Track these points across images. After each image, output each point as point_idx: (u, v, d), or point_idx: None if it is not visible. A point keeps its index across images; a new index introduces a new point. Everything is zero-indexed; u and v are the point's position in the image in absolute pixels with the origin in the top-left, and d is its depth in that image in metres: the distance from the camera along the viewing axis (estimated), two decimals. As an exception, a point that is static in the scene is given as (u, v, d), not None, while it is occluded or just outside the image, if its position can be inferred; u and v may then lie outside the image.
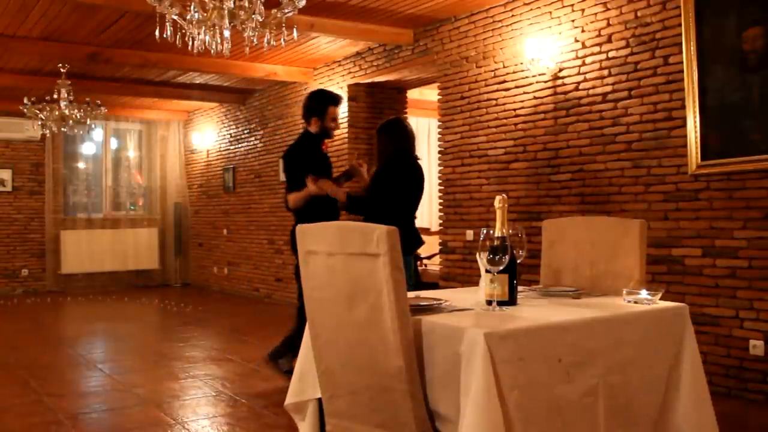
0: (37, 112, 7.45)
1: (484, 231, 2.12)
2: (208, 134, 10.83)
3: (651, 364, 2.16)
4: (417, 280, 4.24)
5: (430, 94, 7.97)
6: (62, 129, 7.63)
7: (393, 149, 4.13)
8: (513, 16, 5.59)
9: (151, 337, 7.03)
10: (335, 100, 4.38)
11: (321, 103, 4.34)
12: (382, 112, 7.85)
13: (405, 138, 4.18)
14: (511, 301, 2.21)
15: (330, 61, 7.79)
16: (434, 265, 7.39)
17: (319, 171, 4.22)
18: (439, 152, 6.37)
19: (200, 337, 6.59)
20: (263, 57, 7.48)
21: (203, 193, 11.08)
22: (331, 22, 6.12)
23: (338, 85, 7.73)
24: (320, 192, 4.10)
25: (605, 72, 4.87)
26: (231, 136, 10.22)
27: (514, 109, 5.57)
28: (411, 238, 4.07)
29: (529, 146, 5.45)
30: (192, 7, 3.69)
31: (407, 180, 4.10)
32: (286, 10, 3.80)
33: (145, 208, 11.52)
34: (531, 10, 5.42)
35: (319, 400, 2.27)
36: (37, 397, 4.29)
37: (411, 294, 2.19)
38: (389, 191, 4.04)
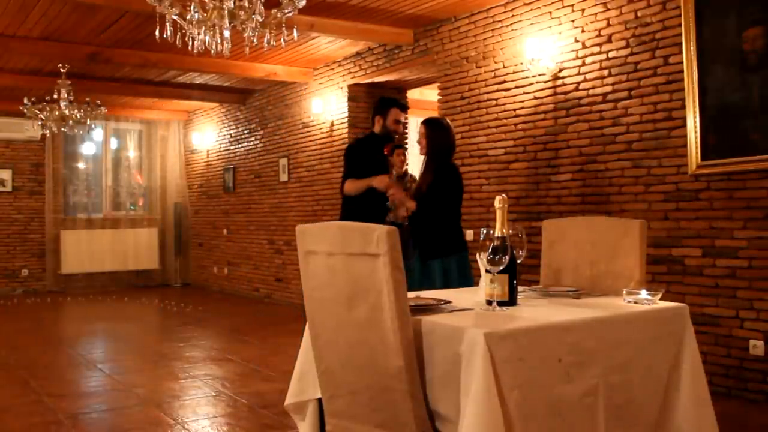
0: (37, 112, 7.45)
1: (484, 231, 2.12)
2: (208, 134, 10.83)
3: (651, 364, 2.16)
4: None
5: (430, 94, 7.97)
6: (62, 129, 7.63)
7: (435, 147, 4.22)
8: (513, 16, 5.59)
9: (151, 337, 7.04)
10: (399, 103, 4.62)
11: (384, 104, 4.58)
12: (383, 112, 7.85)
13: (447, 138, 4.26)
14: (511, 301, 2.21)
15: (330, 61, 7.79)
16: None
17: (375, 168, 4.44)
18: (439, 152, 6.37)
19: (200, 337, 6.59)
20: (263, 57, 7.48)
21: (203, 193, 11.08)
22: (331, 22, 6.12)
23: (338, 85, 7.74)
24: (390, 194, 4.29)
25: (605, 72, 4.87)
26: (231, 136, 10.22)
27: (514, 109, 5.57)
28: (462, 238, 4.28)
29: (529, 146, 5.45)
30: (192, 7, 3.69)
31: (457, 184, 4.24)
32: (286, 10, 3.81)
33: (145, 208, 11.52)
34: (531, 10, 5.42)
35: (319, 400, 2.27)
36: (37, 397, 4.29)
37: (411, 294, 2.19)
38: (445, 197, 4.15)
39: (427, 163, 4.24)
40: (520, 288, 2.36)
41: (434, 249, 4.07)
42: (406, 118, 8.07)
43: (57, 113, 7.41)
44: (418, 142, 4.28)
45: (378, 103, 4.62)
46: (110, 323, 7.69)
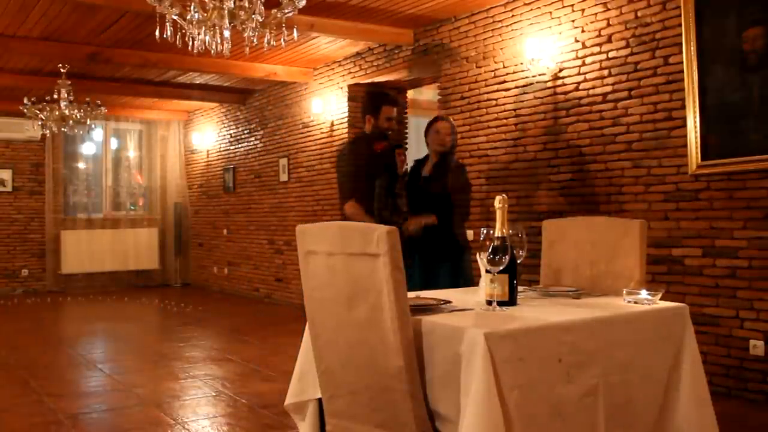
0: (37, 112, 7.45)
1: (484, 231, 2.12)
2: (208, 134, 10.83)
3: (651, 364, 2.16)
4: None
5: (431, 94, 7.97)
6: (62, 129, 7.62)
7: (455, 146, 4.40)
8: (513, 16, 5.59)
9: (151, 337, 7.03)
10: (389, 99, 4.38)
11: (374, 102, 4.36)
12: (383, 112, 7.85)
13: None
14: (511, 301, 2.21)
15: (330, 61, 7.79)
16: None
17: (370, 173, 4.29)
18: (439, 152, 6.37)
19: (200, 337, 6.59)
20: (263, 57, 7.48)
21: (203, 193, 11.08)
22: (331, 22, 6.12)
23: (338, 85, 7.74)
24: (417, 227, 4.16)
25: (605, 72, 4.87)
26: (231, 136, 10.22)
27: (514, 109, 5.57)
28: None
29: (530, 146, 5.45)
30: (192, 7, 3.68)
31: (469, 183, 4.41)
32: (286, 10, 3.81)
33: (145, 208, 11.52)
34: (531, 10, 5.42)
35: (319, 400, 2.27)
36: (37, 397, 4.29)
37: (411, 294, 2.18)
38: (467, 197, 4.32)
39: (449, 161, 4.25)
40: (520, 288, 2.36)
41: (444, 252, 4.09)
42: (405, 113, 8.06)
43: (57, 113, 7.40)
44: (443, 139, 4.27)
45: (367, 101, 4.47)
46: (110, 323, 7.69)
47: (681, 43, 4.33)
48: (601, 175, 4.90)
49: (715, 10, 4.17)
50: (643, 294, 2.29)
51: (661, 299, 2.30)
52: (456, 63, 6.15)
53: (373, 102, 4.38)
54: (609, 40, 4.83)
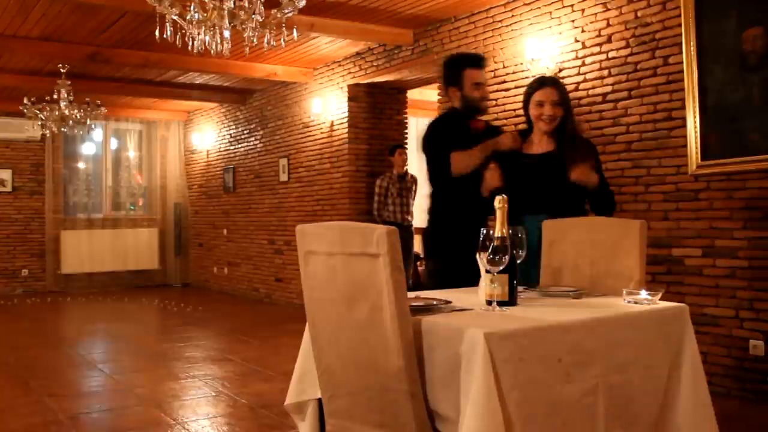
0: (37, 112, 7.46)
1: (484, 231, 2.12)
2: (208, 134, 10.83)
3: (651, 364, 2.16)
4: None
5: (430, 94, 7.97)
6: (62, 129, 7.63)
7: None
8: (513, 16, 5.59)
9: (151, 337, 7.03)
10: (474, 60, 3.46)
11: (454, 68, 3.45)
12: (383, 112, 7.86)
13: None
14: (511, 301, 2.21)
15: (330, 61, 7.79)
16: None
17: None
18: (439, 152, 6.35)
19: (200, 337, 6.59)
20: (263, 57, 7.48)
21: (203, 193, 11.08)
22: (331, 22, 6.12)
23: (338, 85, 7.74)
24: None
25: (605, 72, 4.87)
26: (231, 136, 10.22)
27: (514, 110, 5.57)
28: None
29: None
30: (192, 7, 3.69)
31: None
32: (286, 10, 3.81)
33: (145, 208, 11.52)
34: (531, 10, 5.42)
35: (319, 400, 2.27)
36: (37, 397, 4.29)
37: (411, 294, 2.18)
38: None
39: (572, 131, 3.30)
40: (520, 288, 2.36)
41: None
42: (405, 113, 8.01)
43: (57, 113, 7.41)
44: (550, 116, 3.19)
45: (446, 70, 3.46)
46: (110, 323, 7.69)
47: (681, 43, 4.33)
48: (601, 175, 4.90)
49: (715, 10, 4.17)
50: (643, 294, 2.28)
51: (661, 299, 2.30)
52: (456, 63, 6.15)
53: (452, 69, 3.45)
54: (609, 40, 4.84)
